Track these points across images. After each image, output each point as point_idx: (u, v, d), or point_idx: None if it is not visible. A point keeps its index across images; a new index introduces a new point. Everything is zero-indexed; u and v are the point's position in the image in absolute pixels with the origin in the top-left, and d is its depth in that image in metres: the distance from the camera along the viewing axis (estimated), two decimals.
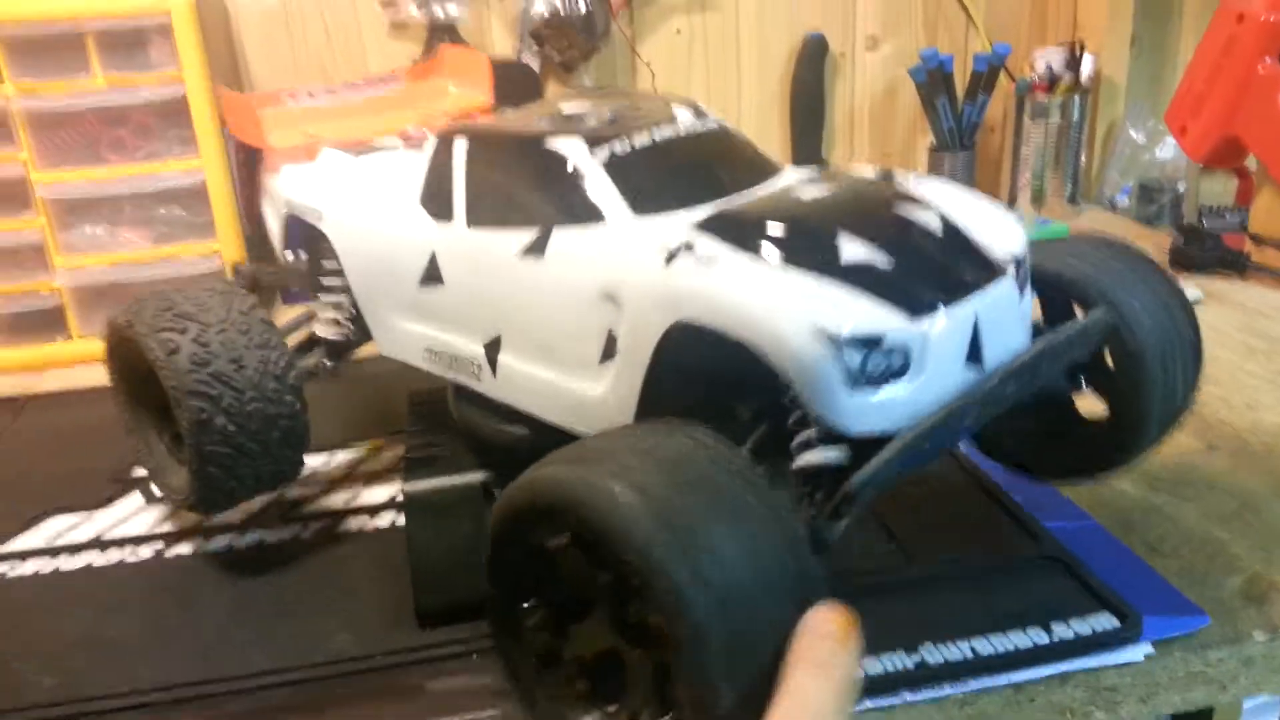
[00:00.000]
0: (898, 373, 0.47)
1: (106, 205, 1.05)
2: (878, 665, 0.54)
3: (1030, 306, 0.56)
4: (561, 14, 1.21)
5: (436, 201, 0.64)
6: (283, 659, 0.57)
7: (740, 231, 0.51)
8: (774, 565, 0.41)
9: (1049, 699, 0.54)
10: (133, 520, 0.74)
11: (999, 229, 0.54)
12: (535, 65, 1.25)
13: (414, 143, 0.76)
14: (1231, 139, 1.07)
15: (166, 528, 0.72)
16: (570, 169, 0.57)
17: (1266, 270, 1.07)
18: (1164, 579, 0.60)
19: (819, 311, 0.46)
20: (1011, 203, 1.35)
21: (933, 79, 1.27)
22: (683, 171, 0.59)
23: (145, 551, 0.70)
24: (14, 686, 0.57)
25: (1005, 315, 0.52)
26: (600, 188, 0.57)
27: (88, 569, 0.68)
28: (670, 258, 0.51)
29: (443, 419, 0.67)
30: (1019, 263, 0.54)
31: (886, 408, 0.47)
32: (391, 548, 0.67)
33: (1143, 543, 0.64)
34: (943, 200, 0.55)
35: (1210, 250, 1.10)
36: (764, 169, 0.62)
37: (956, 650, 0.55)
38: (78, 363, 1.05)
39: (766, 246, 0.50)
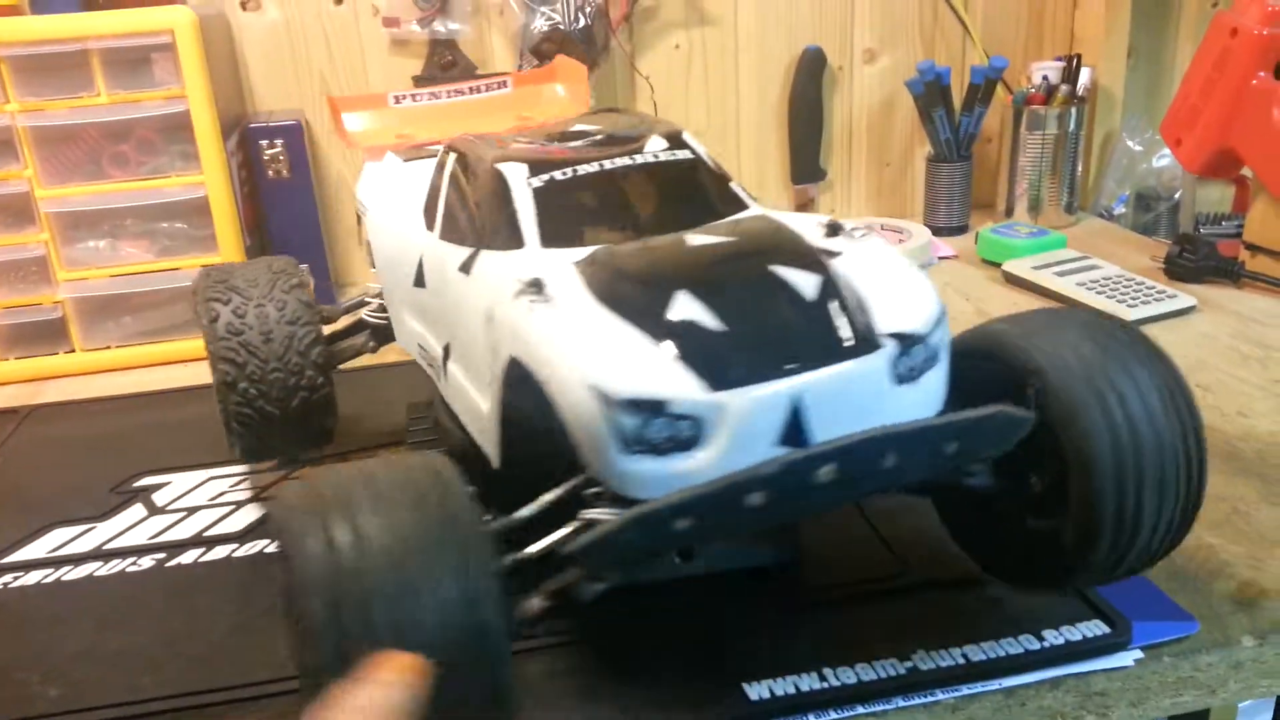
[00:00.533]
0: (686, 444, 0.44)
1: (109, 219, 1.06)
2: (871, 672, 0.54)
3: (927, 391, 0.49)
4: (561, 29, 1.23)
5: (428, 211, 0.67)
6: (284, 669, 0.58)
7: (595, 275, 0.50)
8: (449, 611, 0.40)
9: (1040, 704, 0.54)
10: (134, 531, 0.74)
11: (903, 303, 0.49)
12: None
13: None
14: (1227, 151, 1.08)
15: (168, 538, 0.73)
16: (505, 194, 0.58)
17: (1261, 278, 1.08)
18: (1154, 585, 0.61)
19: (602, 368, 0.44)
20: (1009, 213, 1.36)
21: (930, 91, 1.28)
22: (613, 205, 0.59)
23: (147, 562, 0.70)
24: (18, 697, 0.57)
25: (854, 397, 0.46)
26: (524, 215, 0.57)
27: (90, 579, 0.69)
28: (519, 292, 0.50)
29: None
30: (908, 341, 0.48)
31: (676, 479, 0.44)
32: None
33: None
34: (852, 265, 0.50)
35: (1205, 259, 1.11)
36: (715, 207, 0.59)
37: (949, 656, 0.55)
38: (79, 374, 1.06)
39: (604, 294, 0.48)
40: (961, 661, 0.55)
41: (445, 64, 1.25)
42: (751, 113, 1.35)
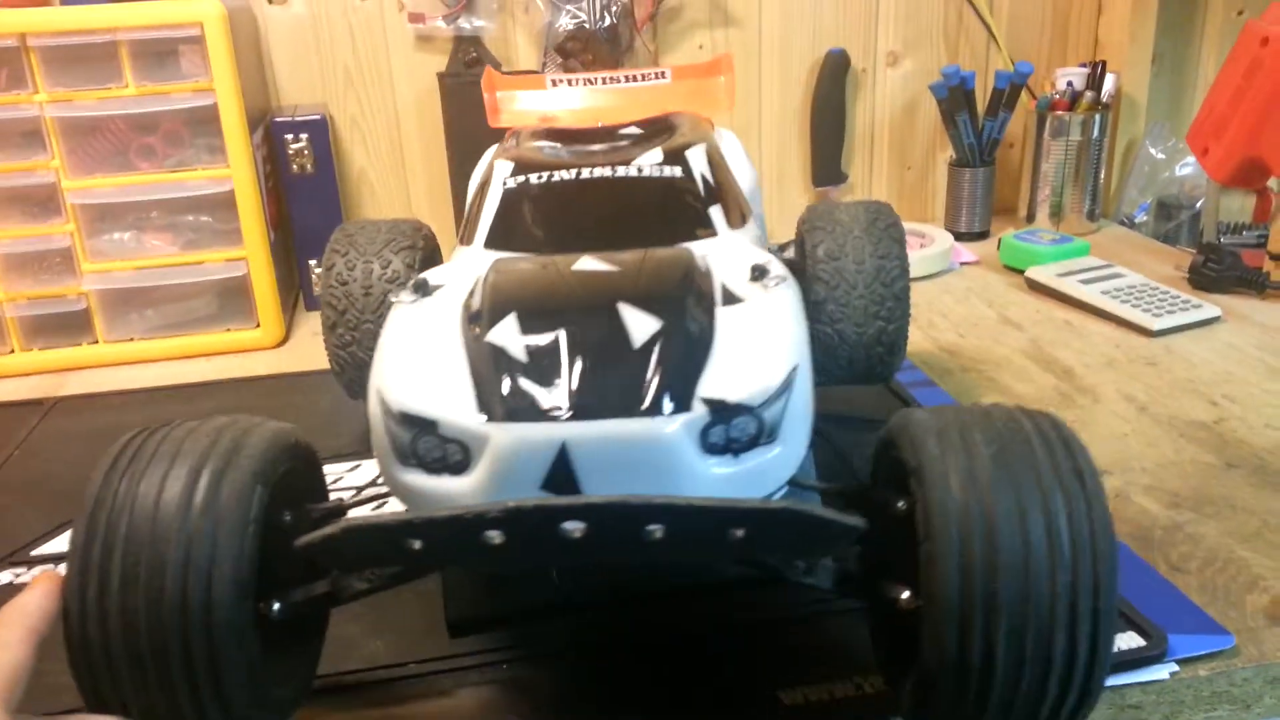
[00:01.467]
0: (456, 467, 0.44)
1: (134, 212, 1.06)
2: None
3: (751, 470, 0.44)
4: (587, 27, 1.23)
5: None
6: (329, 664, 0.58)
7: (479, 283, 0.51)
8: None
9: None
10: None
11: (740, 370, 0.45)
12: None
13: None
14: (1255, 160, 1.08)
15: None
16: (486, 189, 0.60)
17: None
18: (1188, 598, 0.60)
19: (393, 377, 0.45)
20: (1030, 219, 1.35)
21: (954, 95, 1.28)
22: (568, 215, 0.59)
23: None
24: (43, 689, 0.57)
25: (638, 457, 0.43)
26: (487, 213, 0.59)
27: None
28: (408, 288, 0.52)
29: None
30: (726, 411, 0.44)
31: (442, 498, 0.44)
32: None
33: (1165, 561, 0.65)
34: (730, 319, 0.47)
35: (1229, 269, 1.10)
36: (669, 231, 0.58)
37: None
38: (103, 366, 1.07)
39: (465, 305, 0.49)
40: None
41: (469, 61, 1.25)
42: (773, 114, 1.35)
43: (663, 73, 0.85)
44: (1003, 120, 1.30)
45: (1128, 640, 0.56)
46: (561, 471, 0.42)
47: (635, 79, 0.84)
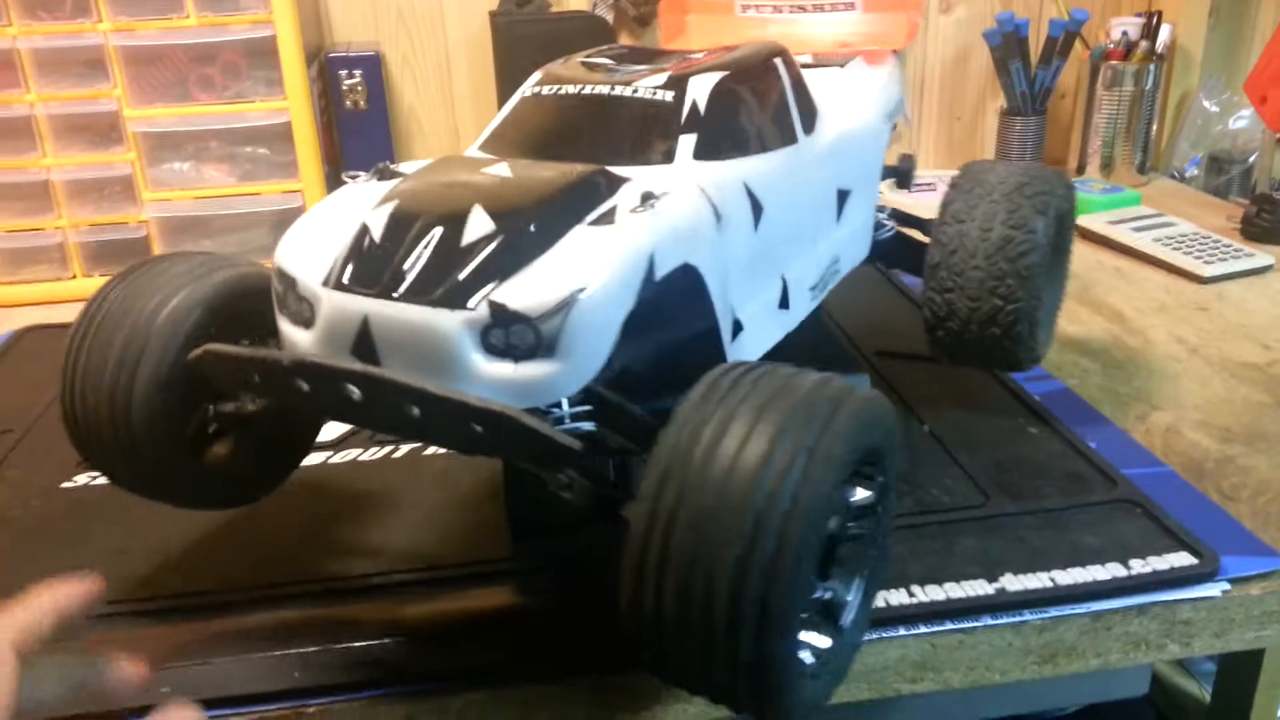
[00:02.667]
0: (305, 322, 0.49)
1: (193, 141, 1.08)
2: (959, 590, 0.55)
3: (529, 377, 0.45)
4: None
5: None
6: (384, 564, 0.60)
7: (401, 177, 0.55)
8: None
9: (1125, 629, 0.55)
10: None
11: (535, 283, 0.46)
12: (609, 18, 1.26)
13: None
14: None
15: None
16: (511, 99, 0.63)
17: None
18: (1240, 523, 0.61)
19: (287, 238, 0.52)
20: (1080, 170, 1.34)
21: (1007, 42, 1.27)
22: (557, 127, 0.59)
23: None
24: (137, 579, 0.60)
25: (423, 342, 0.46)
26: (498, 119, 0.61)
27: None
28: (374, 172, 0.57)
29: None
30: (505, 317, 0.45)
31: (294, 347, 0.50)
32: (481, 470, 0.69)
33: (1216, 490, 0.65)
34: (574, 238, 0.48)
35: None
36: (627, 152, 0.57)
37: (1036, 580, 0.56)
38: None
39: (373, 192, 0.52)
40: (1049, 585, 0.56)
41: (521, 1, 1.25)
42: None
43: (852, 4, 0.84)
44: (1056, 68, 1.29)
45: (1180, 559, 0.57)
46: (365, 342, 0.47)
47: (823, 8, 0.83)
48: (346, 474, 0.71)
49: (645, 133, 0.58)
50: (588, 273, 0.46)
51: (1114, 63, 1.28)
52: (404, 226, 0.48)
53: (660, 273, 0.48)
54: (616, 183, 0.52)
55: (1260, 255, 1.04)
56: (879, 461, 0.47)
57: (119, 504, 0.62)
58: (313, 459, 0.73)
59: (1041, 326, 0.70)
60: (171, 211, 1.08)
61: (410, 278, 0.46)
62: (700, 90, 0.58)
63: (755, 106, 0.61)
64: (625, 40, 1.30)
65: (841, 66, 0.78)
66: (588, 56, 0.65)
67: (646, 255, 0.47)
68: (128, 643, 0.52)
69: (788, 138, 0.62)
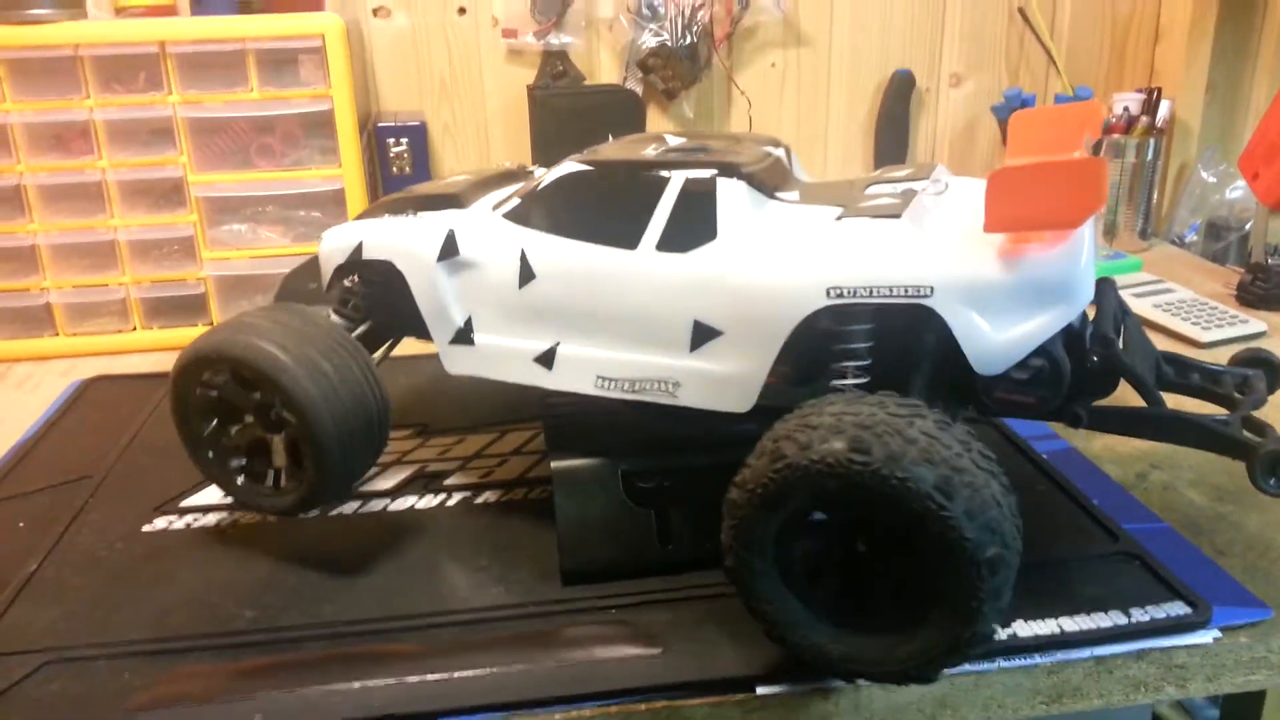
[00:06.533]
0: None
1: (251, 205, 1.15)
2: None
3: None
4: (668, 45, 1.30)
5: None
6: (445, 604, 0.66)
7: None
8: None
9: (1126, 673, 0.61)
10: None
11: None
12: (639, 91, 1.34)
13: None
14: None
15: None
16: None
17: None
18: (1231, 576, 0.67)
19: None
20: None
21: None
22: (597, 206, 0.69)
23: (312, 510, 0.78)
24: (219, 617, 0.66)
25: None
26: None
27: (263, 523, 0.77)
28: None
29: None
30: None
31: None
32: (528, 518, 0.75)
33: (1210, 545, 0.71)
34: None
35: (1276, 287, 1.16)
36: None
37: (1044, 626, 0.62)
38: None
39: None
40: (1057, 631, 0.61)
41: (556, 74, 1.33)
42: (839, 128, 1.42)
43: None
44: None
45: (1176, 609, 0.63)
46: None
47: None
48: (404, 520, 0.77)
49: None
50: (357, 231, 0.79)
51: (1117, 136, 1.35)
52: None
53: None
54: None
55: (1255, 321, 1.10)
56: None
57: (194, 545, 0.68)
58: (373, 505, 0.79)
59: None
60: (228, 270, 1.15)
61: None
62: (560, 172, 0.71)
63: (597, 201, 0.69)
64: (653, 111, 1.37)
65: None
66: (648, 145, 0.74)
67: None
68: (213, 675, 0.58)
69: (625, 243, 0.67)
